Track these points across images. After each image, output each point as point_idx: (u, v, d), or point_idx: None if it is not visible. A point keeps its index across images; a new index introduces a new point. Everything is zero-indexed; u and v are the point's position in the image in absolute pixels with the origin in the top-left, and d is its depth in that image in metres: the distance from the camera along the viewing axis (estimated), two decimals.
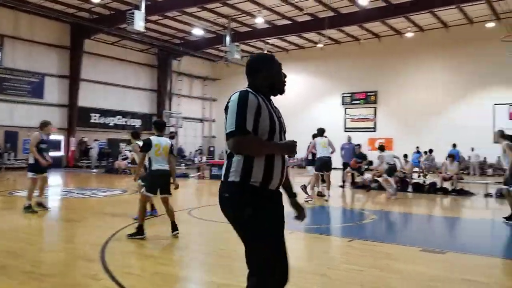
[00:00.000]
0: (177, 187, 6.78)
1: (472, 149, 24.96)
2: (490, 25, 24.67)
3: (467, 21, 26.39)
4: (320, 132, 12.11)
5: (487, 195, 13.98)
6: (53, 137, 26.67)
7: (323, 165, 11.95)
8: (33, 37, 25.42)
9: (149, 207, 7.99)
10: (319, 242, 7.11)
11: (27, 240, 6.50)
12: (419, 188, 14.96)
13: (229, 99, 2.68)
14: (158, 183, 6.62)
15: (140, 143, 7.52)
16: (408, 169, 15.96)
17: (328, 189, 12.36)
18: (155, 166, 6.55)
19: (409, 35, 28.02)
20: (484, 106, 26.06)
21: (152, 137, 6.66)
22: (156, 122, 7.00)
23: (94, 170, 24.37)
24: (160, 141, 6.62)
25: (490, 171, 24.89)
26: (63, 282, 4.55)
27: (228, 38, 26.88)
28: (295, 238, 7.16)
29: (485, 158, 25.36)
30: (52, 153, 25.81)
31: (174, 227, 6.67)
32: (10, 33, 24.40)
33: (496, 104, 26.23)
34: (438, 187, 14.65)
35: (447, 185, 14.71)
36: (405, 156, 17.03)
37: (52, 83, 26.64)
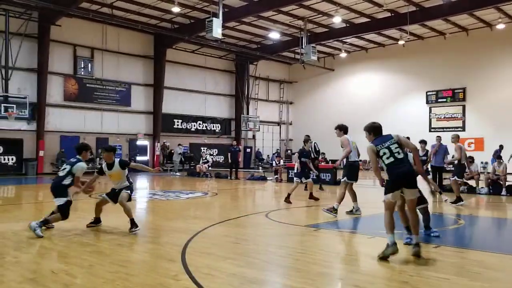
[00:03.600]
0: None
1: None
2: None
3: None
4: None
5: None
6: (140, 142, 28.35)
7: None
8: (120, 49, 27.14)
9: None
10: (402, 249, 6.72)
11: (115, 240, 6.83)
12: None
13: None
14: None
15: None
16: (501, 171, 14.74)
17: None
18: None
19: (500, 26, 25.98)
20: None
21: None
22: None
23: (177, 174, 25.34)
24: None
25: None
26: (145, 282, 4.72)
27: (304, 40, 26.72)
28: (377, 243, 6.86)
29: None
30: (140, 158, 27.83)
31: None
32: (99, 46, 26.23)
33: None
34: None
35: None
36: (499, 157, 15.76)
37: (138, 92, 28.24)
